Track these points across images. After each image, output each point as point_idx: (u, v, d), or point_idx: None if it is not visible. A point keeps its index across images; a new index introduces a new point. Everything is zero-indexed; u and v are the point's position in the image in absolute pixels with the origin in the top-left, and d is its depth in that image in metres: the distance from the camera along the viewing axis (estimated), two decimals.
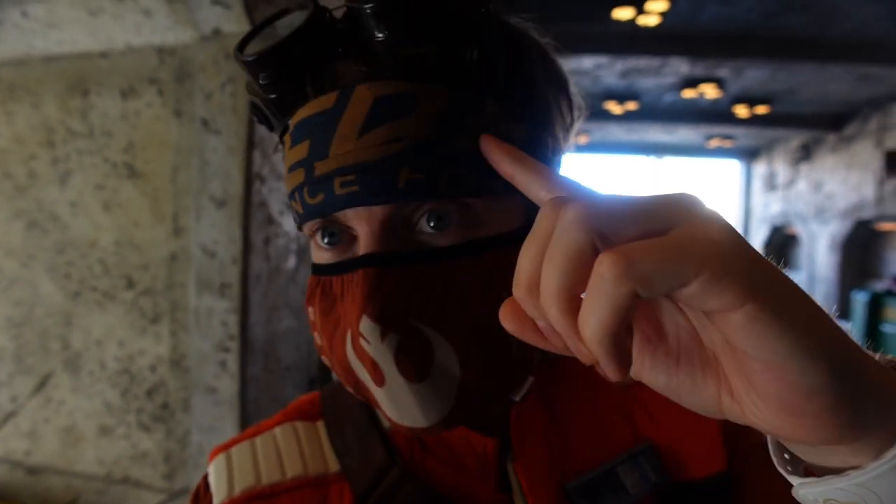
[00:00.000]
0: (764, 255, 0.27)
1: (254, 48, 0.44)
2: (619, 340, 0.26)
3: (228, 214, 1.63)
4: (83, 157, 1.81)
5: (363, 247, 0.42)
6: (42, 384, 1.89)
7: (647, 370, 0.30)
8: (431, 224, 0.42)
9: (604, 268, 0.24)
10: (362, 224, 0.42)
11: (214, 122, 1.62)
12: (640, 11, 5.62)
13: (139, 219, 1.76)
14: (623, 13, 5.66)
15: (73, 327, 1.84)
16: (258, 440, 0.54)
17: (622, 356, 0.26)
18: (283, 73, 0.43)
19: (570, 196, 0.29)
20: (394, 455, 0.51)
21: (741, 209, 14.09)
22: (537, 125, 0.47)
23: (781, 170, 12.35)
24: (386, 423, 0.53)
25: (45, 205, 1.86)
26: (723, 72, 7.58)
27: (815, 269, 10.75)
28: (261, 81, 0.43)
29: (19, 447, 1.92)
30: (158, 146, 1.73)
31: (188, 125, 1.69)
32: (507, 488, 0.50)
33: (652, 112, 9.57)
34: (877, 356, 0.30)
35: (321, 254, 0.46)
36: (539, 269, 0.27)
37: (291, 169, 0.44)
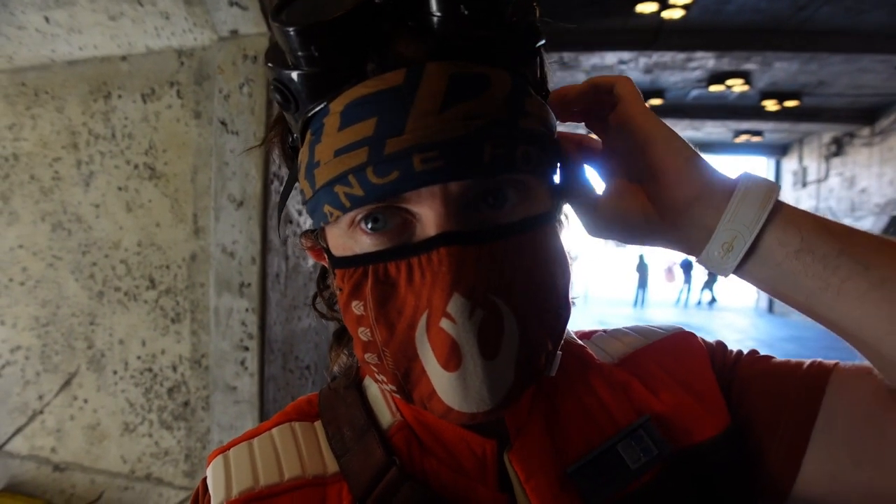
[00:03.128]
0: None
1: (294, 18, 0.41)
2: None
3: (247, 214, 1.64)
4: (106, 159, 1.84)
5: (434, 226, 0.42)
6: (67, 382, 1.93)
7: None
8: (490, 201, 0.43)
9: None
10: (434, 203, 0.41)
11: (233, 122, 1.63)
12: (665, 5, 5.54)
13: (160, 219, 1.78)
14: (647, 7, 5.58)
15: (97, 327, 1.87)
16: (256, 442, 0.54)
17: None
18: (339, 47, 0.41)
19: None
20: (392, 455, 0.50)
21: None
22: (545, 100, 0.50)
23: (812, 165, 12.06)
24: (385, 423, 0.53)
25: (69, 206, 1.89)
26: (750, 65, 7.42)
27: None
28: (306, 53, 0.41)
29: (46, 444, 1.96)
30: (178, 147, 1.75)
31: (207, 126, 1.71)
32: (509, 488, 0.49)
33: (678, 108, 9.42)
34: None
35: (364, 240, 0.44)
36: None
37: (343, 151, 0.41)
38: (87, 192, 1.86)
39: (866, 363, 0.49)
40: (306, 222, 1.80)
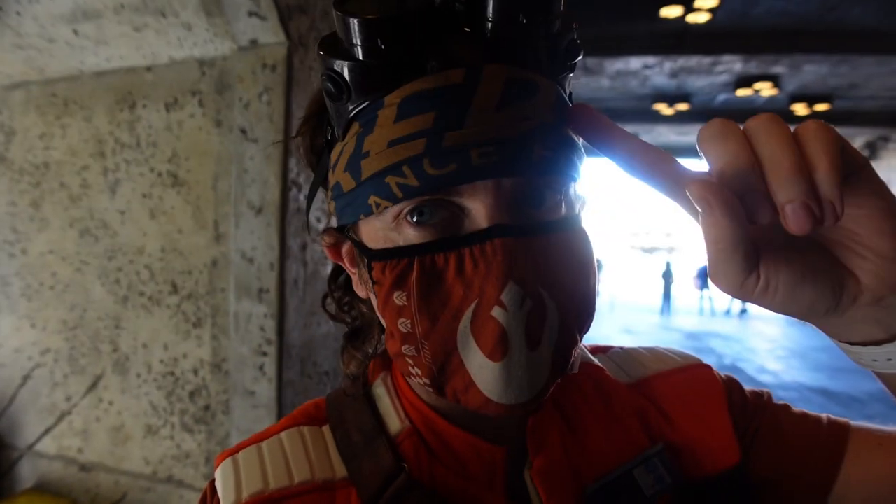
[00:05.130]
0: None
1: (361, 8, 0.41)
2: None
3: (266, 221, 1.66)
4: (131, 166, 1.88)
5: (487, 219, 0.43)
6: (94, 385, 1.97)
7: (784, 271, 0.35)
8: (531, 201, 0.45)
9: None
10: (487, 196, 0.43)
11: (252, 130, 1.66)
12: (690, 9, 5.48)
13: (183, 226, 1.82)
14: (671, 11, 5.53)
15: (121, 330, 1.92)
16: (265, 445, 0.54)
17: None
18: (404, 42, 0.41)
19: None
20: (401, 461, 0.50)
21: None
22: None
23: None
24: (393, 430, 0.53)
25: (96, 213, 1.94)
26: (779, 68, 7.30)
27: None
28: (371, 45, 0.41)
29: (73, 445, 2.01)
30: (200, 155, 1.78)
31: (228, 134, 1.74)
32: (518, 497, 0.50)
33: (704, 113, 9.29)
34: None
35: (409, 232, 0.45)
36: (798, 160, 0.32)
37: (399, 141, 0.42)
38: (114, 199, 1.91)
39: (880, 428, 0.53)
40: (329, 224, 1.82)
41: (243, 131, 1.67)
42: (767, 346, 9.65)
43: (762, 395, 0.60)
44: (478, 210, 0.43)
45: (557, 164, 0.44)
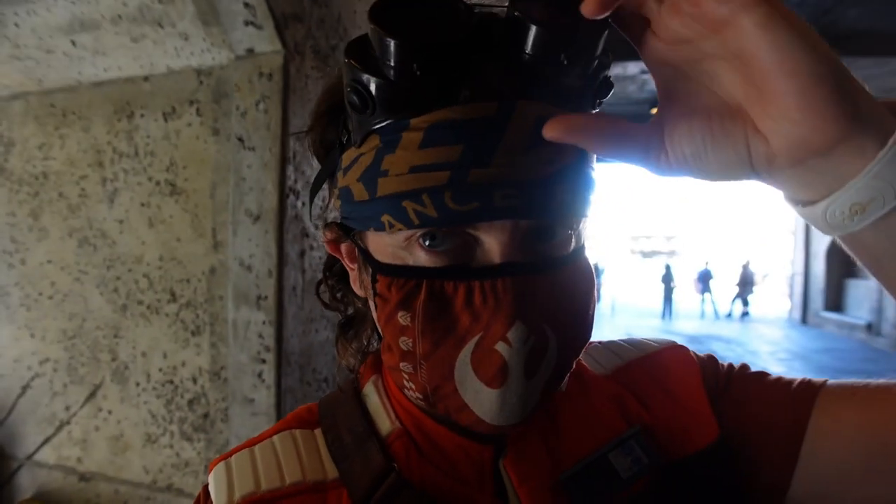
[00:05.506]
0: None
1: (397, 27, 0.39)
2: None
3: (264, 228, 1.67)
4: (129, 176, 1.89)
5: (500, 255, 0.44)
6: (93, 394, 1.97)
7: (687, 142, 0.36)
8: (542, 236, 0.45)
9: None
10: (503, 235, 0.43)
11: (249, 139, 1.67)
12: None
13: (181, 234, 1.82)
14: None
15: (120, 339, 1.92)
16: (257, 448, 0.55)
17: None
18: (440, 69, 0.40)
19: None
20: (391, 461, 0.51)
21: None
22: None
23: None
24: (384, 431, 0.54)
25: (95, 222, 1.95)
26: None
27: None
28: (405, 68, 0.39)
29: (72, 454, 2.01)
30: (198, 164, 1.79)
31: (225, 143, 1.75)
32: (504, 493, 0.50)
33: None
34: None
35: (420, 255, 0.45)
36: None
37: (422, 169, 0.42)
38: (112, 209, 1.92)
39: (854, 381, 0.51)
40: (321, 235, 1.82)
41: (240, 139, 1.68)
42: (769, 349, 9.63)
43: (735, 367, 0.59)
44: (491, 245, 0.44)
45: (574, 205, 0.44)
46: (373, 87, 0.41)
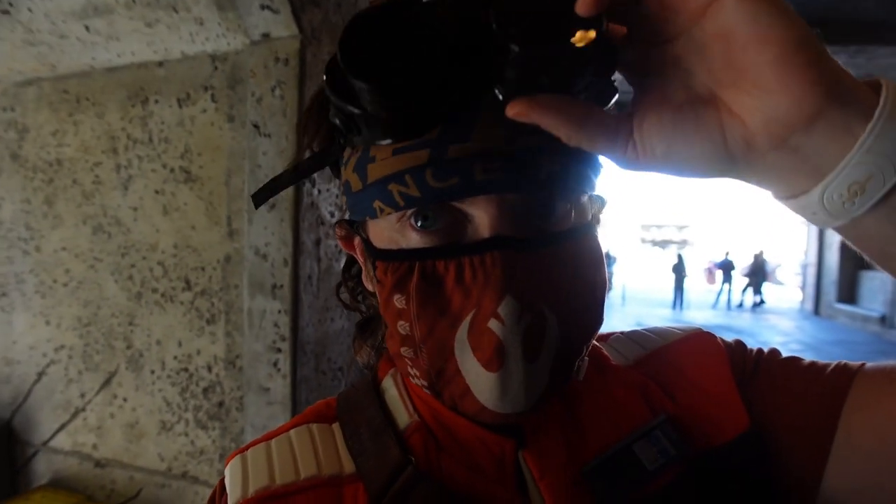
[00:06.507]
0: None
1: (372, 70, 0.37)
2: None
3: (279, 216, 1.65)
4: (143, 163, 1.88)
5: (488, 229, 0.43)
6: (108, 381, 1.97)
7: (656, 132, 0.35)
8: (540, 212, 0.44)
9: None
10: (490, 207, 0.43)
11: (265, 125, 1.65)
12: None
13: (196, 222, 1.81)
14: None
15: (135, 327, 1.91)
16: (273, 442, 0.54)
17: None
18: (419, 96, 0.38)
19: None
20: (409, 455, 0.50)
21: None
22: None
23: None
24: (402, 424, 0.53)
25: (109, 210, 1.94)
26: None
27: None
28: (376, 104, 0.38)
29: (88, 441, 2.01)
30: (213, 151, 1.77)
31: (240, 129, 1.73)
32: (524, 485, 0.49)
33: None
34: None
35: (412, 236, 0.45)
36: None
37: (403, 150, 0.42)
38: (126, 196, 1.91)
39: (894, 365, 0.47)
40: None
41: (256, 126, 1.66)
42: (781, 340, 9.57)
43: (764, 352, 0.56)
44: (481, 219, 0.43)
45: (566, 179, 0.43)
46: (353, 117, 0.41)
